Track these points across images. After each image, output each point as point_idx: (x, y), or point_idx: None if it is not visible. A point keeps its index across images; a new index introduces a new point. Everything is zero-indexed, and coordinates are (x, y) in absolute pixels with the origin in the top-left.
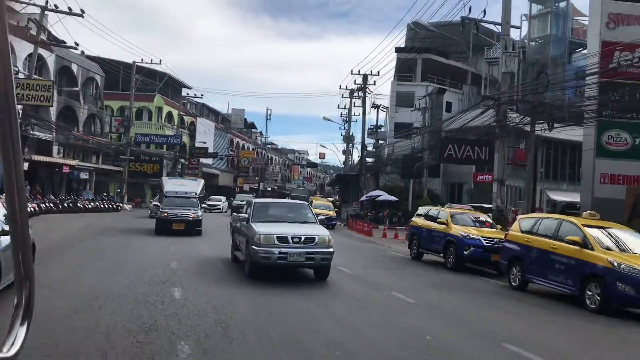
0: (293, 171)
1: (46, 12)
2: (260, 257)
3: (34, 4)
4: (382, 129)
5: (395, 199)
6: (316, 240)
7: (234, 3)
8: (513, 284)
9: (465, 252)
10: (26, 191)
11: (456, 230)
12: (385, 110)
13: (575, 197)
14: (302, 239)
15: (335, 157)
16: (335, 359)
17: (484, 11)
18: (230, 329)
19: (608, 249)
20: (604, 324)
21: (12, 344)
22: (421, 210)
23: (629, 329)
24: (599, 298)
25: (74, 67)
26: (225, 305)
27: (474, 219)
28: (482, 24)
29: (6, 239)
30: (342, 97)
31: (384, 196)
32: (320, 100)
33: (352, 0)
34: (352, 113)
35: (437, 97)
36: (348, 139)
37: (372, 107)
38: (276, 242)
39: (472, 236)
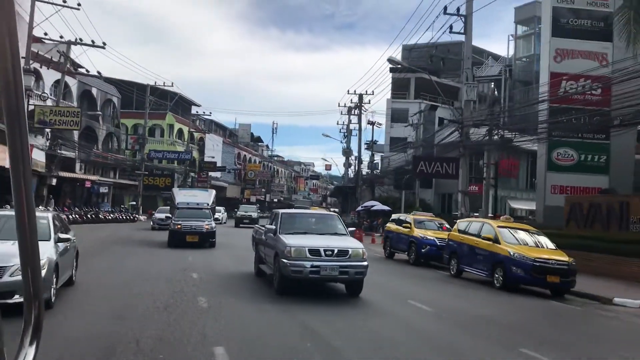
0: (299, 183)
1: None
2: (291, 271)
3: (63, 42)
4: (378, 143)
5: (389, 208)
6: (350, 252)
7: (242, 16)
8: (452, 272)
9: (423, 250)
10: (51, 204)
11: (417, 232)
12: (379, 126)
13: (533, 206)
14: (335, 252)
15: (342, 168)
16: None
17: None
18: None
19: (511, 243)
20: (497, 294)
21: None
22: (394, 216)
23: (512, 297)
24: (501, 279)
25: (94, 91)
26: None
27: (435, 224)
28: (472, 42)
29: (62, 245)
30: (341, 114)
31: (378, 206)
32: (326, 111)
33: (359, 11)
34: (351, 128)
35: (429, 114)
36: (347, 153)
37: (368, 123)
38: (308, 255)
39: (428, 237)
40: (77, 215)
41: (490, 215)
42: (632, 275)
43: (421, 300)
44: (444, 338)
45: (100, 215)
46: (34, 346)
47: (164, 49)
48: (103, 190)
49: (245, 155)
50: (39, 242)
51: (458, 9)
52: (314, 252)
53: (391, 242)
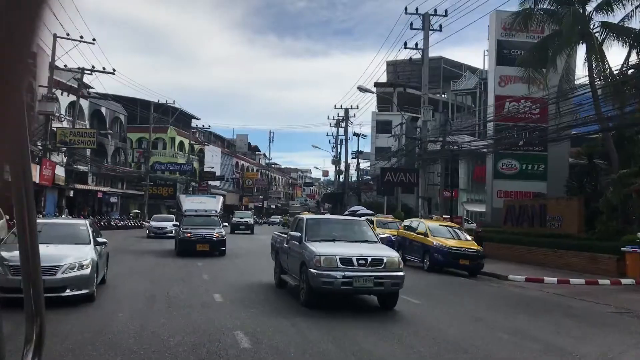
0: (296, 189)
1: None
2: (322, 282)
3: (78, 71)
4: (365, 152)
5: (373, 212)
6: (385, 262)
7: (240, 24)
8: None
9: None
10: (65, 213)
11: (378, 230)
12: (364, 137)
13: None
14: (369, 261)
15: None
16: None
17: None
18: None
19: (437, 236)
20: (422, 274)
21: None
22: (363, 219)
23: (432, 275)
24: (428, 263)
25: (104, 110)
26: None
27: (396, 224)
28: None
29: (99, 248)
30: (330, 126)
31: (362, 210)
32: (322, 122)
33: (356, 16)
34: (341, 138)
35: (411, 125)
36: (336, 162)
37: (354, 135)
38: (339, 264)
39: (385, 235)
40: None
41: (445, 216)
42: (539, 261)
43: None
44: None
45: (112, 223)
46: None
47: (161, 57)
48: (113, 200)
49: (243, 164)
50: (81, 245)
51: (416, 44)
52: (346, 261)
53: None
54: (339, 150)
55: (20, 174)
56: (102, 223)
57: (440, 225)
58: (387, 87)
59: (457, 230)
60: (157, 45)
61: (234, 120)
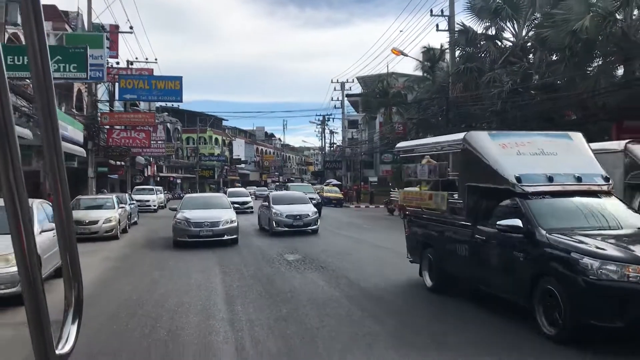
0: (308, 166)
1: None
2: None
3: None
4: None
5: (340, 182)
6: None
7: None
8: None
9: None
10: (156, 192)
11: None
12: (337, 133)
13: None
14: None
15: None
16: None
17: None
18: None
19: (326, 192)
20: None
21: (66, 342)
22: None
23: (324, 207)
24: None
25: (169, 125)
26: None
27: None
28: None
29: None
30: (316, 125)
31: (334, 182)
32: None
33: None
34: (331, 128)
35: (371, 123)
36: (321, 149)
37: (330, 132)
38: None
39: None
40: (170, 196)
41: (337, 182)
42: (376, 201)
43: None
44: None
45: (181, 195)
46: (76, 324)
47: (182, 34)
48: (178, 181)
49: (262, 149)
50: (227, 209)
51: (338, 98)
52: None
53: None
54: (324, 141)
55: (54, 158)
56: (175, 195)
57: (330, 188)
58: (356, 97)
59: (336, 188)
60: (174, 23)
61: (255, 94)
